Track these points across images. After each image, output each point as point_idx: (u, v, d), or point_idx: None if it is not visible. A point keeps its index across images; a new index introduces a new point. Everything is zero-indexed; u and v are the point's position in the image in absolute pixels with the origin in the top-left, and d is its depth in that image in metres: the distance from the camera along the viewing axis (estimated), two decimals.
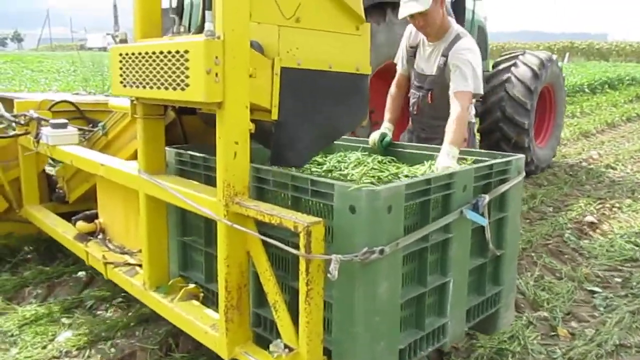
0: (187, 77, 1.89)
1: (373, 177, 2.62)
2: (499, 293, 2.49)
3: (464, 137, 2.72)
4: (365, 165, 2.83)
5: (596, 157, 7.55)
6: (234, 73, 1.87)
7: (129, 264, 2.83)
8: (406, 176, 2.62)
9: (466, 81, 2.90)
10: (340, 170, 2.82)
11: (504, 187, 2.34)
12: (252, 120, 1.98)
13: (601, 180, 6.48)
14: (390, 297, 1.84)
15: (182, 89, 1.92)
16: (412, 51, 3.34)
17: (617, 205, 5.42)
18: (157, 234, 2.53)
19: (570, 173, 6.82)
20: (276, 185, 2.06)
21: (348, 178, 2.55)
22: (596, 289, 3.59)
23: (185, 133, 2.88)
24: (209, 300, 2.48)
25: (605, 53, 42.17)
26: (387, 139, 3.04)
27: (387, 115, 3.32)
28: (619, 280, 3.72)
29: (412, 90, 3.40)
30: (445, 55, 3.08)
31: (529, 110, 5.93)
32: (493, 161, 2.33)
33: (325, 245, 1.76)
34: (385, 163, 2.90)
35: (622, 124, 10.38)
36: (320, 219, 1.74)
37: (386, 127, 3.21)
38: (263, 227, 1.95)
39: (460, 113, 2.74)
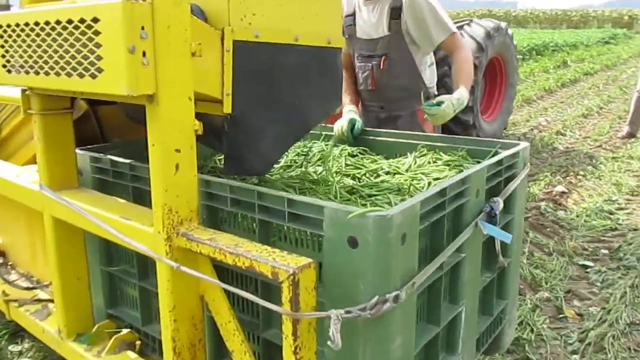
0: (98, 58, 1.29)
1: (348, 175, 2.12)
2: (504, 309, 2.08)
3: (472, 78, 2.47)
4: (335, 160, 2.32)
5: (545, 124, 7.54)
6: (169, 51, 1.28)
7: (39, 300, 2.20)
8: (388, 173, 2.14)
9: (446, 24, 2.60)
10: (302, 167, 2.30)
11: (512, 185, 1.91)
12: (197, 116, 1.41)
13: (555, 148, 6.46)
14: (405, 352, 1.36)
15: (93, 76, 1.31)
16: (350, 20, 2.84)
17: (581, 173, 5.50)
18: (72, 265, 1.91)
19: (527, 141, 6.71)
20: (235, 205, 1.50)
21: (316, 176, 2.04)
22: (587, 262, 3.57)
23: (103, 128, 2.23)
24: (149, 348, 1.91)
25: (521, 20, 43.58)
26: (358, 126, 2.53)
27: (346, 98, 2.80)
28: (606, 252, 3.74)
29: (359, 64, 2.88)
30: (396, 7, 2.62)
31: (473, 86, 5.60)
32: (502, 154, 1.89)
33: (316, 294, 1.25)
34: (357, 156, 2.40)
35: (557, 89, 10.49)
36: (310, 261, 1.21)
37: (351, 110, 2.69)
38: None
39: (465, 53, 2.46)
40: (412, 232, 1.31)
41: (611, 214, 4.38)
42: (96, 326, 1.93)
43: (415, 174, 2.02)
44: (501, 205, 1.73)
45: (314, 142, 2.62)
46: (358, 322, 1.26)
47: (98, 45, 1.27)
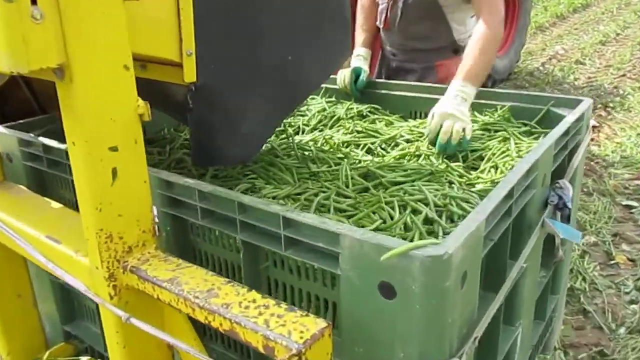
0: None
1: (358, 145, 1.65)
2: (556, 305, 1.69)
3: (487, 70, 1.76)
4: (341, 125, 1.85)
5: (562, 53, 6.98)
6: None
7: None
8: (409, 141, 1.67)
9: None
10: (297, 134, 1.83)
11: (576, 159, 1.45)
12: (147, 85, 0.94)
13: (577, 78, 5.96)
14: None
15: None
16: None
17: (610, 105, 5.03)
18: (9, 280, 1.48)
19: (545, 72, 6.22)
20: (207, 217, 1.05)
21: (316, 152, 1.58)
22: (631, 202, 3.30)
23: (38, 96, 1.72)
24: None
25: None
26: (363, 76, 2.03)
27: (359, 37, 2.25)
28: None
29: None
30: None
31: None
32: (567, 120, 1.41)
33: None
34: (367, 117, 1.92)
35: (570, 15, 9.75)
36: (325, 326, 0.78)
37: (359, 55, 2.16)
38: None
39: (486, 32, 1.73)
40: (475, 266, 0.87)
41: None
42: (47, 352, 1.52)
43: None
44: (571, 191, 1.28)
45: (312, 98, 2.13)
46: None
47: None
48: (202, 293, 0.87)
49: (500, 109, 1.73)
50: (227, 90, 1.12)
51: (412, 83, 1.95)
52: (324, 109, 2.01)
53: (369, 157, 1.55)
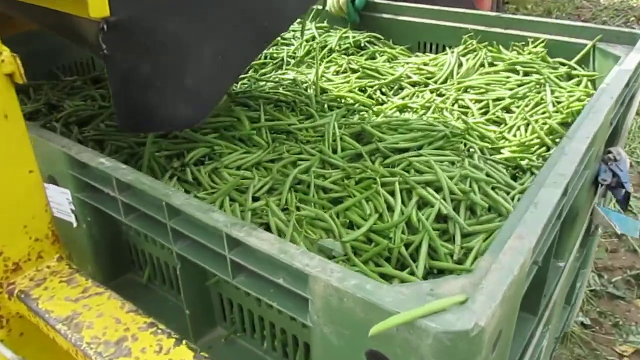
0: None
1: (351, 90, 1.31)
2: (582, 280, 1.43)
3: None
4: (332, 61, 1.49)
5: None
6: None
7: None
8: (416, 85, 1.33)
9: None
10: (271, 76, 1.48)
11: (630, 117, 1.13)
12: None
13: None
14: None
15: None
16: None
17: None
18: None
19: None
20: (131, 213, 0.75)
21: (299, 103, 1.26)
22: None
23: None
24: None
25: None
26: None
27: None
28: None
29: None
30: None
31: None
32: (627, 66, 1.07)
33: None
34: (365, 48, 1.56)
35: None
36: None
37: None
38: None
39: None
40: (512, 319, 0.58)
41: None
42: None
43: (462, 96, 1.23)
44: (627, 162, 0.97)
45: (299, 23, 1.75)
46: None
47: None
48: (109, 346, 0.59)
49: (533, 42, 1.37)
50: (160, 28, 0.78)
51: (420, 6, 1.56)
52: (314, 37, 1.64)
53: (366, 105, 1.23)
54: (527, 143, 1.08)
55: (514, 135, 1.12)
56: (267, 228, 0.84)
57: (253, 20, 0.93)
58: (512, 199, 0.89)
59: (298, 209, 0.87)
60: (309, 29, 1.68)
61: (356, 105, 1.23)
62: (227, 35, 0.89)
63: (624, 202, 0.92)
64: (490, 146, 1.07)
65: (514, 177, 1.03)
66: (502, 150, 1.07)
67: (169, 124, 0.87)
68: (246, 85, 1.38)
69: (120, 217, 0.76)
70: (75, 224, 0.85)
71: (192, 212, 0.63)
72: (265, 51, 1.62)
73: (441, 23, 1.48)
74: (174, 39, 0.81)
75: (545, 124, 1.10)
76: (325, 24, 1.73)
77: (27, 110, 1.25)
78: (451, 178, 0.86)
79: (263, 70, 1.55)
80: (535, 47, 1.36)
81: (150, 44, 0.79)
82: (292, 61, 1.56)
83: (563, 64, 1.32)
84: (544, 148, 1.08)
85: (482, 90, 1.26)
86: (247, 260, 0.60)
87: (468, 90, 1.27)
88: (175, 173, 0.97)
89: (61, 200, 0.86)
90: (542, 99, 1.19)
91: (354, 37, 1.58)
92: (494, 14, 1.43)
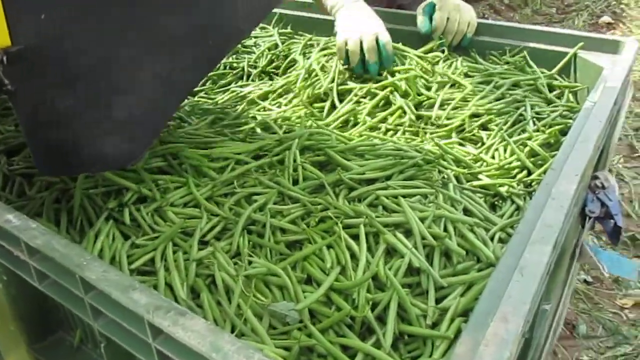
0: None
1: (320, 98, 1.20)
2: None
3: None
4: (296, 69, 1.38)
5: None
6: None
7: None
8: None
9: None
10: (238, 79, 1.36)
11: (616, 135, 1.04)
12: None
13: None
14: None
15: None
16: None
17: (624, 1, 4.58)
18: None
19: None
20: (44, 281, 0.63)
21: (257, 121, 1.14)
22: None
23: None
24: None
25: None
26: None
27: None
28: None
29: None
30: None
31: None
32: (613, 83, 0.98)
33: None
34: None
35: None
36: None
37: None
38: None
39: None
40: None
41: None
42: None
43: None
44: (616, 189, 0.88)
45: (262, 28, 1.63)
46: None
47: None
48: None
49: (511, 51, 1.28)
50: (76, 55, 0.66)
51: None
52: (276, 45, 1.52)
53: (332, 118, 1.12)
54: (506, 166, 0.99)
55: (492, 157, 1.03)
56: (214, 281, 0.73)
57: (196, 38, 0.81)
58: (492, 238, 0.79)
59: (251, 256, 0.76)
60: (270, 36, 1.57)
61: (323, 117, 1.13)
62: (167, 60, 0.78)
63: (614, 237, 0.83)
64: (466, 171, 0.97)
65: (493, 206, 0.94)
66: (479, 176, 0.97)
67: (98, 164, 0.75)
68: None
69: (33, 283, 0.64)
70: None
71: (109, 291, 0.52)
72: (224, 60, 1.51)
73: (404, 28, 1.37)
74: (95, 66, 0.69)
75: (525, 145, 1.01)
76: (289, 29, 1.61)
77: None
78: (423, 219, 0.76)
79: (222, 82, 1.44)
80: (512, 55, 1.27)
81: (65, 74, 0.67)
82: (253, 72, 1.44)
83: (543, 73, 1.23)
84: (524, 172, 0.99)
85: (457, 105, 1.16)
86: (175, 352, 0.49)
87: (443, 105, 1.16)
88: (112, 214, 0.85)
89: None
90: (521, 114, 1.09)
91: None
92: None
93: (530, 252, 0.55)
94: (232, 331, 0.64)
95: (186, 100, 1.27)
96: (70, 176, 0.86)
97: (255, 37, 1.61)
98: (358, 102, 1.20)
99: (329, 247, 0.74)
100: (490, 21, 1.31)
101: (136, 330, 0.52)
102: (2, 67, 0.61)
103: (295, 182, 0.93)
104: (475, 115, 1.12)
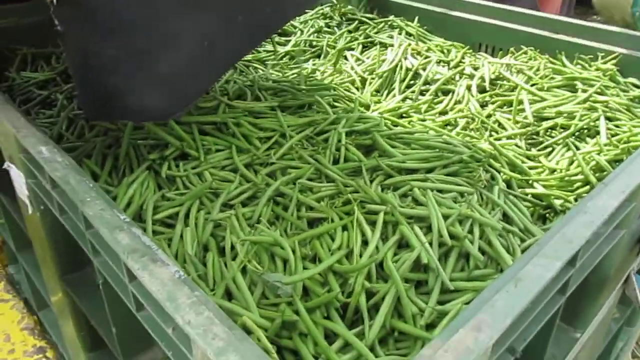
0: None
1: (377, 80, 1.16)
2: (626, 335, 1.22)
3: None
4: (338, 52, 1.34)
5: None
6: None
7: None
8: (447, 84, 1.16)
9: None
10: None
11: None
12: None
13: None
14: None
15: None
16: None
17: None
18: None
19: None
20: (63, 213, 0.67)
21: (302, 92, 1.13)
22: None
23: None
24: None
25: None
26: None
27: None
28: None
29: None
30: None
31: None
32: None
33: None
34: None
35: None
36: None
37: None
38: None
39: None
40: None
41: None
42: None
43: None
44: None
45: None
46: None
47: None
48: None
49: (603, 57, 1.16)
50: (127, 6, 0.69)
51: (483, 2, 1.37)
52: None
53: (386, 104, 1.08)
54: (567, 178, 0.90)
55: (555, 164, 0.94)
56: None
57: (251, 5, 0.81)
58: (525, 250, 0.73)
59: (269, 227, 0.76)
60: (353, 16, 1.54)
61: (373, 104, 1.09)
62: (217, 21, 0.79)
63: None
64: (520, 177, 0.90)
65: (543, 218, 0.87)
66: (535, 184, 0.90)
67: (139, 114, 0.77)
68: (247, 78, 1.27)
69: (55, 213, 0.68)
70: (30, 211, 0.79)
71: (99, 227, 0.54)
72: (304, 37, 1.50)
73: (499, 23, 1.29)
74: (145, 19, 0.72)
75: (592, 159, 0.91)
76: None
77: (40, 79, 1.22)
78: (447, 217, 0.71)
79: (302, 58, 1.44)
80: (605, 62, 1.15)
81: (114, 24, 0.70)
82: (331, 51, 1.43)
83: (636, 86, 1.11)
84: (587, 187, 0.89)
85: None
86: (145, 298, 0.50)
87: (507, 106, 1.08)
88: (152, 166, 0.89)
89: (20, 184, 0.80)
90: (596, 125, 0.99)
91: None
92: (561, 18, 1.22)
93: (534, 264, 0.49)
94: (227, 293, 0.65)
95: (258, 72, 1.28)
96: (112, 122, 0.90)
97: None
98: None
99: (344, 229, 0.72)
100: (581, 22, 1.19)
101: (119, 271, 0.53)
102: (53, 7, 0.65)
103: (336, 162, 0.91)
104: (546, 119, 1.04)
